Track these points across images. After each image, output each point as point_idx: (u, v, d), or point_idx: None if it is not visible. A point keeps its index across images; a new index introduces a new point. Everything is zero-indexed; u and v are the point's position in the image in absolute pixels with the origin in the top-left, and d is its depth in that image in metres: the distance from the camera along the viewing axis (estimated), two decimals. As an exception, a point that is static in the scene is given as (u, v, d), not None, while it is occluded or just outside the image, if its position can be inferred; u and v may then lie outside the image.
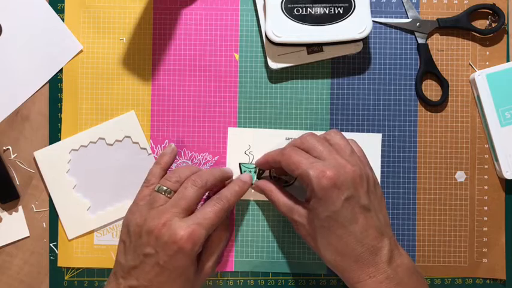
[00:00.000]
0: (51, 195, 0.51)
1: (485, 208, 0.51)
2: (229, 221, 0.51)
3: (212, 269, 0.46)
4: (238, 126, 0.52)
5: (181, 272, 0.42)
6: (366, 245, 0.40)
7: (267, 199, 0.48)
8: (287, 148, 0.45)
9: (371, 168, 0.44)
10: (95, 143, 0.51)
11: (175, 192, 0.44)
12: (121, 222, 0.51)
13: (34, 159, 0.51)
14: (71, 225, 0.51)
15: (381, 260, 0.40)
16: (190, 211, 0.44)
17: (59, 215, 0.51)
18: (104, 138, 0.51)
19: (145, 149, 0.51)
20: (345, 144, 0.43)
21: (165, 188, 0.44)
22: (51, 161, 0.51)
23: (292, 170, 0.42)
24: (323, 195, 0.40)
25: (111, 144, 0.51)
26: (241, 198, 0.51)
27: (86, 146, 0.51)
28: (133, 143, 0.51)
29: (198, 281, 0.45)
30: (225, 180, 0.49)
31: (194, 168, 0.47)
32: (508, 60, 0.52)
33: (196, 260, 0.43)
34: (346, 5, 0.49)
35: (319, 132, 0.51)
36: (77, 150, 0.51)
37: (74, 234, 0.51)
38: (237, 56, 0.52)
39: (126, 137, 0.51)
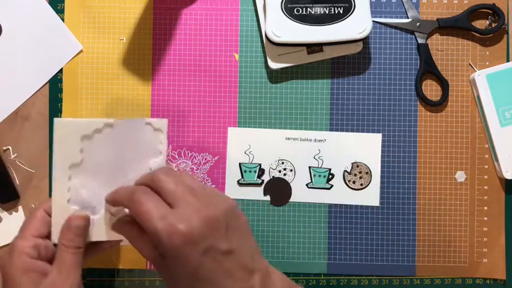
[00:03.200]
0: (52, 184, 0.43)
1: (485, 208, 0.51)
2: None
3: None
4: (238, 126, 0.52)
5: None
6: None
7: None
8: (138, 191, 0.36)
9: (221, 196, 0.38)
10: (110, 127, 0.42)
11: None
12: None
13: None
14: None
15: None
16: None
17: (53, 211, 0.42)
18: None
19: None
20: (193, 180, 0.37)
21: None
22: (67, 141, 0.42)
23: (141, 223, 0.35)
24: (177, 254, 0.34)
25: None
26: (242, 198, 0.51)
27: (100, 131, 0.42)
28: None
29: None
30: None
31: None
32: (508, 60, 0.52)
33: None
34: (346, 5, 0.49)
35: (318, 132, 0.51)
36: (89, 136, 0.42)
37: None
38: (237, 56, 0.52)
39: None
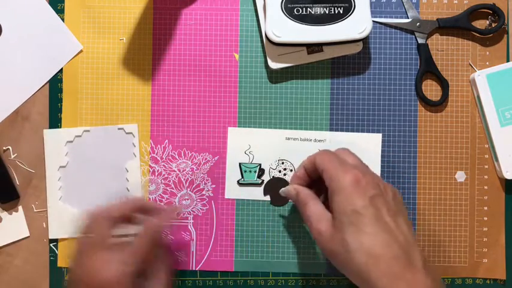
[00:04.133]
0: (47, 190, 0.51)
1: (485, 208, 0.51)
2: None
3: None
4: (238, 126, 0.52)
5: None
6: (401, 245, 0.37)
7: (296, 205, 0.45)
8: (323, 151, 0.45)
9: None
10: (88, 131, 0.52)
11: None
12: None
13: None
14: (57, 223, 0.51)
15: (417, 267, 0.37)
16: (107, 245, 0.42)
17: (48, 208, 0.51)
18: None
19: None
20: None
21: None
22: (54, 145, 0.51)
23: (322, 166, 0.42)
24: (350, 190, 0.39)
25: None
26: (242, 198, 0.51)
27: (80, 136, 0.51)
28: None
29: None
30: (138, 209, 0.45)
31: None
32: (508, 60, 0.52)
33: None
34: (346, 5, 0.49)
35: (318, 132, 0.52)
36: (72, 141, 0.51)
37: (57, 235, 0.51)
38: (237, 56, 0.52)
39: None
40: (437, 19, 0.52)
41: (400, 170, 0.52)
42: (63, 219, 0.51)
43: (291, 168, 0.51)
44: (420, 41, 0.52)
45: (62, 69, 0.52)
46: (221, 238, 0.51)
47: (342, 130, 0.52)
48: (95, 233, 0.42)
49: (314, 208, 0.42)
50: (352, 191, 0.39)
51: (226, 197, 0.51)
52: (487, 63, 0.52)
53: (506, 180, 0.51)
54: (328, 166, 0.41)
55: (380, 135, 0.52)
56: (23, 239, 0.51)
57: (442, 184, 0.51)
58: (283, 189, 0.46)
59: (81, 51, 0.52)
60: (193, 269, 0.51)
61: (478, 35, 0.52)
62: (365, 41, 0.52)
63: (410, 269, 0.36)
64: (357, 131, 0.52)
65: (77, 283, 0.41)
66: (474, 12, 0.52)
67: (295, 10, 0.49)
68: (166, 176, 0.52)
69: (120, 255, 0.40)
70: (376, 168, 0.51)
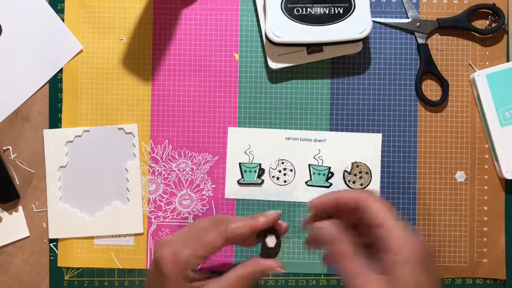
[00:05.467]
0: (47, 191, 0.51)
1: (485, 208, 0.51)
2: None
3: None
4: (238, 126, 0.52)
5: None
6: None
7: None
8: (368, 192, 0.38)
9: None
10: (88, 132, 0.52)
11: None
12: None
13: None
14: (57, 223, 0.51)
15: None
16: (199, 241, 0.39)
17: (48, 207, 0.51)
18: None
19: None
20: None
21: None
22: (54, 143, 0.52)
23: (380, 220, 0.35)
24: (417, 262, 0.34)
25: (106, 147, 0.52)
26: (242, 198, 0.51)
27: (80, 136, 0.52)
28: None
29: None
30: (259, 227, 0.40)
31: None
32: (508, 60, 0.52)
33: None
34: (346, 5, 0.49)
35: (318, 132, 0.52)
36: (72, 141, 0.52)
37: (57, 235, 0.52)
38: (237, 56, 0.52)
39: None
40: (437, 19, 0.52)
41: (400, 170, 0.52)
42: (63, 219, 0.51)
43: (291, 168, 0.51)
44: (420, 41, 0.52)
45: (62, 69, 0.52)
46: (221, 238, 0.51)
47: (342, 130, 0.52)
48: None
49: (359, 266, 0.35)
50: (420, 265, 0.34)
51: (226, 197, 0.51)
52: (487, 63, 0.52)
53: (506, 180, 0.51)
54: (390, 226, 0.35)
55: (380, 135, 0.52)
56: (23, 239, 0.51)
57: (442, 184, 0.51)
58: (315, 226, 0.37)
59: (81, 51, 0.52)
60: (193, 269, 0.51)
61: (478, 35, 0.52)
62: (365, 41, 0.52)
63: None
64: (357, 131, 0.52)
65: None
66: (474, 12, 0.52)
67: (295, 10, 0.49)
68: (166, 176, 0.52)
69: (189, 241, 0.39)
70: (376, 168, 0.51)
